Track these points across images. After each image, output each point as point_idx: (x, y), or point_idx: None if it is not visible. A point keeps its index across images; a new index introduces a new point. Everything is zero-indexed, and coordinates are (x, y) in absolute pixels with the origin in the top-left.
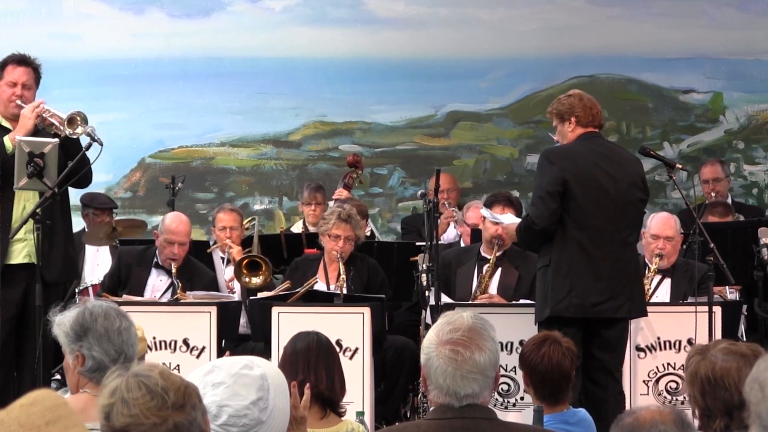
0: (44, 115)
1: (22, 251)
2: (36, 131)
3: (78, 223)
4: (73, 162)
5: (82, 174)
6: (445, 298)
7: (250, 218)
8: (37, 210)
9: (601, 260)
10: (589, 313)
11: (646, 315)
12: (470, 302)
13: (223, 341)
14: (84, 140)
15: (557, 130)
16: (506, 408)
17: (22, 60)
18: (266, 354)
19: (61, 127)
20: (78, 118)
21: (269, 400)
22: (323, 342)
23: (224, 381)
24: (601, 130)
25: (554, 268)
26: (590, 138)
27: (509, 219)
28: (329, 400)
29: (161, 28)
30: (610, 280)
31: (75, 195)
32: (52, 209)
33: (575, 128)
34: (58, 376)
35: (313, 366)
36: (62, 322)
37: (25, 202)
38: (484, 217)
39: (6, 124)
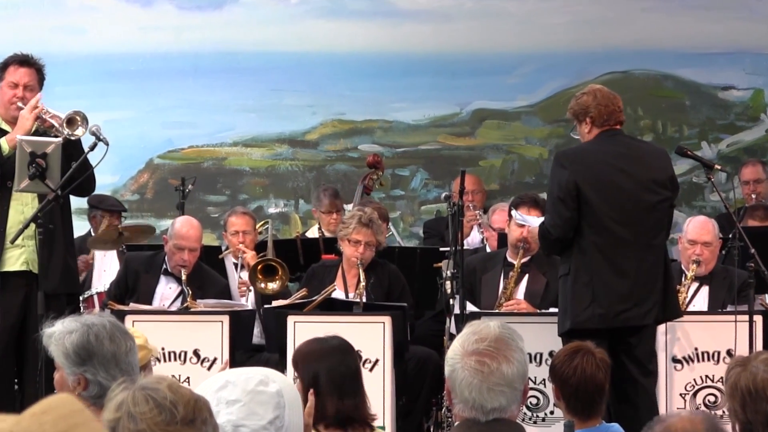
0: (43, 116)
1: (19, 258)
2: (36, 134)
3: (81, 228)
4: (74, 167)
5: (83, 179)
6: (470, 307)
7: (263, 222)
8: (39, 214)
9: (624, 265)
10: (614, 323)
11: (680, 315)
12: (497, 311)
13: (236, 352)
14: (88, 140)
15: (577, 131)
16: (535, 423)
17: (24, 60)
18: (281, 366)
19: (61, 129)
20: (78, 118)
21: (285, 417)
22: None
23: (239, 399)
24: (622, 125)
25: (574, 277)
26: (608, 136)
27: (537, 221)
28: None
29: (170, 21)
30: (634, 285)
31: (78, 198)
32: (51, 215)
33: (591, 128)
34: None
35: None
36: (60, 340)
37: (23, 206)
38: (510, 219)
39: (6, 126)
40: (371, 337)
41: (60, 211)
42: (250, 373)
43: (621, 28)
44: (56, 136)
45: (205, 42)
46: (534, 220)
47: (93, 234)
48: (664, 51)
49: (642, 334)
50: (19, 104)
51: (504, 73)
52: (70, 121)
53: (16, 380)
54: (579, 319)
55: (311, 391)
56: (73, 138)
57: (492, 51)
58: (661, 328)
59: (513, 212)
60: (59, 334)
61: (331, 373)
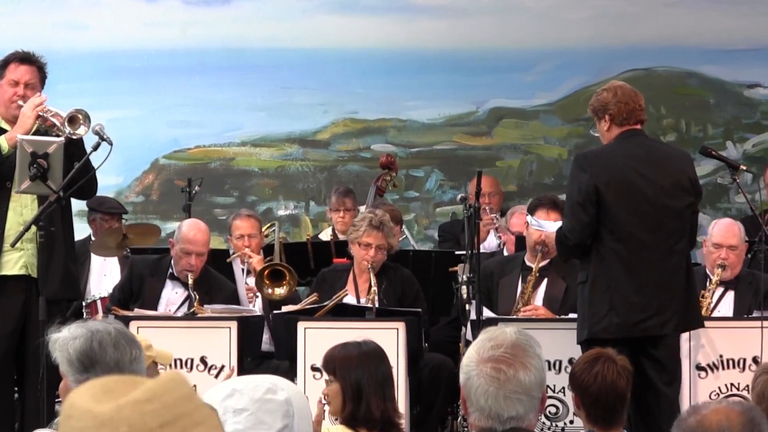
0: (45, 114)
1: (18, 262)
2: (37, 133)
3: (82, 230)
4: (76, 167)
5: (84, 182)
6: (487, 312)
7: (269, 224)
8: (41, 216)
9: (644, 273)
10: (632, 332)
11: (702, 326)
12: (514, 317)
13: (245, 359)
14: (91, 140)
15: (597, 128)
16: None
17: (25, 58)
18: (291, 374)
19: (62, 128)
20: (80, 117)
21: (294, 426)
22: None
23: (247, 407)
24: (642, 124)
25: (591, 284)
26: (629, 137)
27: (554, 227)
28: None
29: (176, 17)
30: (654, 294)
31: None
32: (52, 218)
33: (610, 127)
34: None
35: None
36: (64, 347)
37: (22, 208)
38: (527, 224)
39: (6, 126)
40: (385, 344)
41: (61, 214)
42: (257, 381)
43: (643, 24)
44: (58, 136)
45: (213, 38)
46: (550, 226)
47: (93, 238)
48: (688, 47)
49: (664, 342)
50: (20, 103)
51: (522, 70)
52: (72, 120)
53: (16, 388)
54: (596, 328)
55: (319, 398)
56: (74, 137)
57: (510, 47)
58: (684, 335)
59: (529, 218)
60: (63, 340)
61: (375, 377)
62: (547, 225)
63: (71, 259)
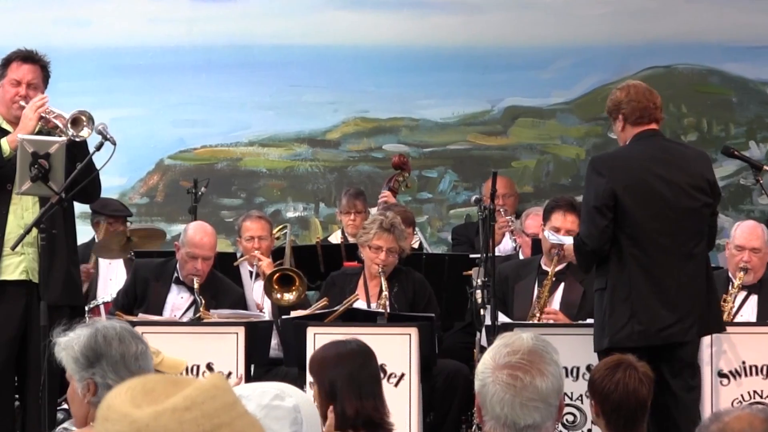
0: (48, 116)
1: (18, 266)
2: (39, 134)
3: (85, 232)
4: (78, 168)
5: (87, 183)
6: (502, 318)
7: (280, 227)
8: (42, 219)
9: (664, 278)
10: (655, 340)
11: (723, 330)
12: (531, 322)
13: (252, 366)
14: (94, 140)
15: (613, 130)
16: None
17: (27, 57)
18: (300, 381)
19: (65, 129)
20: (83, 118)
21: None
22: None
23: (254, 414)
24: (659, 124)
25: (611, 291)
26: (646, 138)
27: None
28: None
29: (182, 12)
30: (676, 300)
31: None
32: (53, 221)
33: (625, 127)
34: (65, 406)
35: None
36: (70, 346)
37: (23, 210)
38: (545, 226)
39: (7, 127)
40: (396, 350)
41: (63, 217)
42: (264, 388)
43: (663, 20)
44: (60, 137)
45: (219, 34)
46: (568, 240)
47: (97, 241)
48: (710, 44)
49: (684, 348)
50: (22, 103)
51: (538, 67)
52: (75, 121)
53: (17, 396)
54: (618, 337)
55: (330, 408)
56: (78, 139)
57: (526, 44)
58: (705, 340)
59: (546, 233)
60: (68, 340)
61: (351, 376)
62: (565, 239)
63: (73, 264)
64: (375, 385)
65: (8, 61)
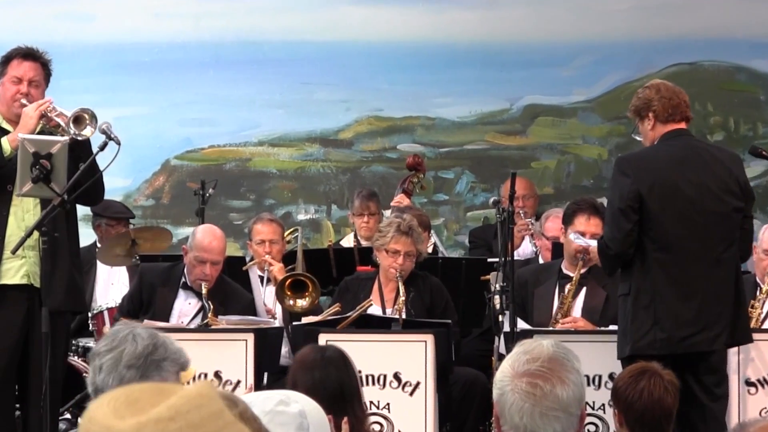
0: (49, 114)
1: (19, 270)
2: (40, 134)
3: (87, 236)
4: (82, 169)
5: (90, 185)
6: (521, 324)
7: (292, 230)
8: (44, 221)
9: (690, 284)
10: (678, 348)
11: (751, 341)
12: (551, 329)
13: (265, 375)
14: (98, 140)
15: (639, 131)
16: None
17: (28, 54)
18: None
19: (67, 128)
20: (86, 117)
21: None
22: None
23: None
24: (688, 123)
25: (634, 297)
26: (674, 138)
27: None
28: None
29: (189, 7)
30: (702, 307)
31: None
32: (55, 223)
33: (655, 125)
34: (68, 415)
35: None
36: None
37: (24, 213)
38: (566, 229)
39: (7, 126)
40: (412, 358)
41: (65, 219)
42: (269, 394)
43: (688, 15)
44: (62, 136)
45: (228, 30)
46: (595, 243)
47: (99, 245)
48: (737, 40)
49: (711, 356)
50: (23, 101)
51: (559, 64)
52: (78, 120)
53: (18, 405)
54: (639, 345)
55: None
56: (80, 139)
57: (546, 40)
58: (732, 348)
59: (572, 235)
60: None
61: (306, 388)
62: (592, 242)
63: (76, 268)
64: (329, 398)
65: (8, 58)
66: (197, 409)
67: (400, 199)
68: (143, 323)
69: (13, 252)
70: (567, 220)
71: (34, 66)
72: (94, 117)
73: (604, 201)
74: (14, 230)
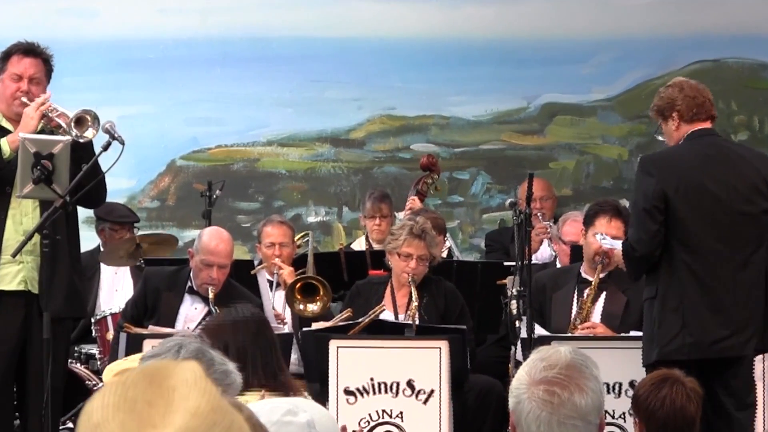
0: (50, 114)
1: (16, 276)
2: (41, 134)
3: (89, 239)
4: (84, 169)
5: (92, 187)
6: (539, 330)
7: (303, 233)
8: (45, 224)
9: (718, 287)
10: (708, 353)
11: None
12: (569, 335)
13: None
14: (101, 139)
15: (663, 130)
16: None
17: (29, 50)
18: (322, 397)
19: (68, 129)
20: (88, 118)
21: None
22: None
23: None
24: (713, 121)
25: (661, 300)
26: (699, 137)
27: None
28: None
29: (195, 3)
30: (731, 310)
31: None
32: (56, 226)
33: (679, 125)
34: (70, 424)
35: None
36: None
37: (22, 216)
38: (586, 230)
39: (7, 125)
40: (426, 365)
41: (66, 222)
42: (276, 403)
43: (711, 10)
44: (64, 136)
45: (235, 26)
46: (620, 244)
47: (102, 249)
48: (761, 36)
49: (737, 363)
50: (24, 99)
51: (577, 61)
52: (79, 121)
53: (17, 414)
54: (667, 349)
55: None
56: (82, 140)
57: (563, 37)
58: (758, 356)
59: (598, 236)
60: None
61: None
62: (617, 243)
63: (77, 273)
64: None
65: (8, 54)
66: (200, 427)
67: (412, 203)
68: (149, 329)
69: (14, 256)
70: (588, 222)
71: (34, 62)
72: (96, 118)
73: (626, 203)
74: (12, 234)
